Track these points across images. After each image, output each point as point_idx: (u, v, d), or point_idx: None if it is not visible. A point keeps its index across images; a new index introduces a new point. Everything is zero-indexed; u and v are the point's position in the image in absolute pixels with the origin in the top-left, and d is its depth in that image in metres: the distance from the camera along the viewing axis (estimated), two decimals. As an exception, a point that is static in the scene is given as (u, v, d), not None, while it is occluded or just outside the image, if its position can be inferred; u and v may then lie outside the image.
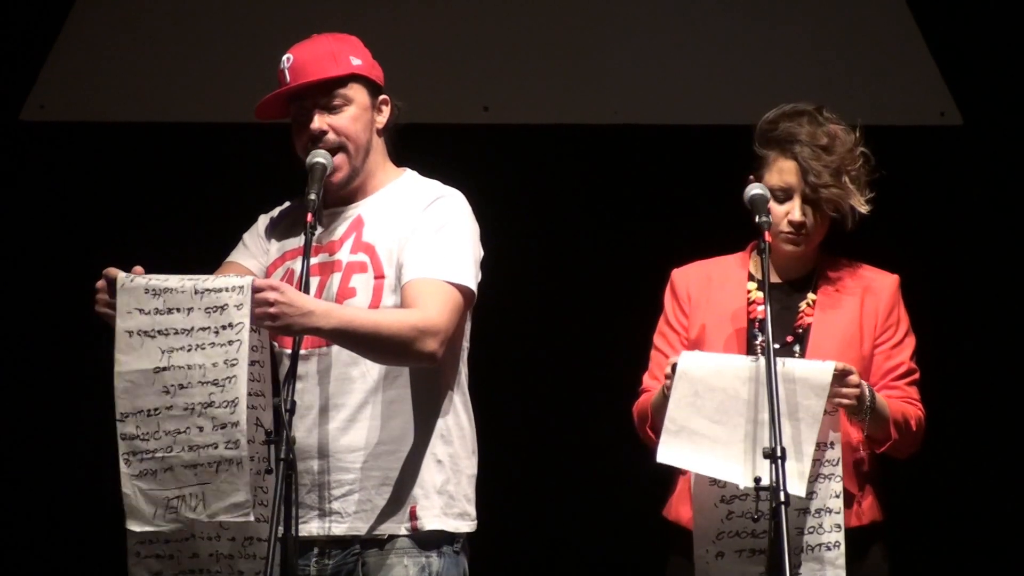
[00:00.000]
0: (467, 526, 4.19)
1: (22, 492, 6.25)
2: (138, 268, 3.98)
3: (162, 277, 3.96)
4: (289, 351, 4.06)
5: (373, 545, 4.13)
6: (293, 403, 3.91)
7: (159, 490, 3.99)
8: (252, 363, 3.97)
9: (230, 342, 3.93)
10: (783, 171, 4.30)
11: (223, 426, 3.94)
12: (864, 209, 4.30)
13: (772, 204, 4.29)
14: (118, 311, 3.95)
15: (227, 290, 3.93)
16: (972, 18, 6.04)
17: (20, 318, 6.18)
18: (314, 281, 4.16)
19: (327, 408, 4.14)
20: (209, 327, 3.92)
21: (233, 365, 3.92)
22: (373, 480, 4.13)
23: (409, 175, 4.30)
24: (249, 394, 3.96)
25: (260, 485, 3.99)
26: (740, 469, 4.01)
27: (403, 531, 4.13)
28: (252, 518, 3.98)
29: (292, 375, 3.96)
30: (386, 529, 4.12)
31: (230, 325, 3.92)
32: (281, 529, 3.91)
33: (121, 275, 3.97)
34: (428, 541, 4.14)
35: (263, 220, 4.35)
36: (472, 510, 4.22)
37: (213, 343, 3.93)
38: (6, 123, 6.13)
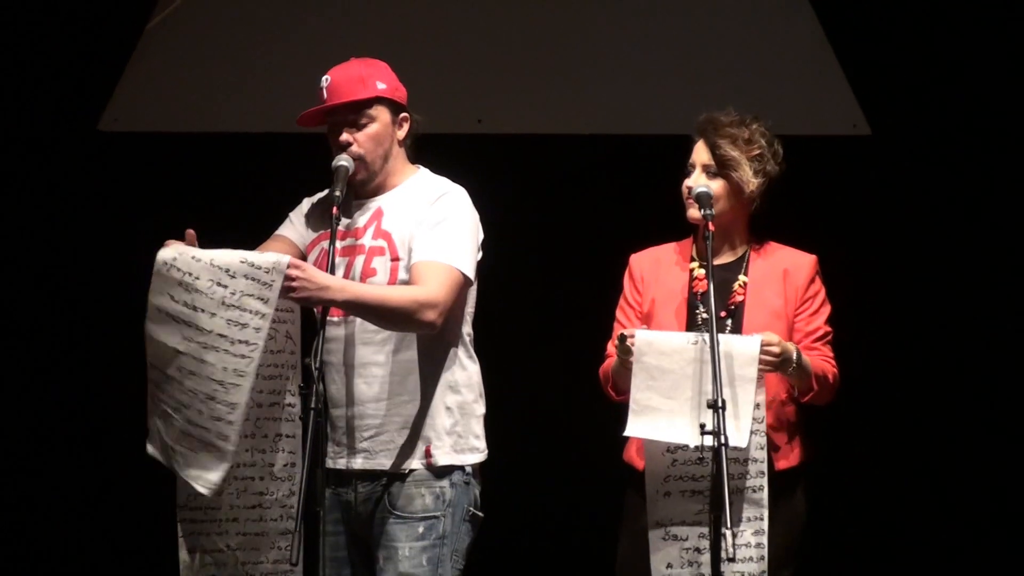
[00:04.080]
0: (475, 457, 4.32)
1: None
2: (190, 232, 4.06)
3: (195, 273, 4.00)
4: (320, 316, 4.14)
5: (396, 478, 4.25)
6: (323, 362, 4.03)
7: (164, 433, 4.09)
8: (286, 334, 4.10)
9: (243, 356, 4.00)
10: (694, 150, 4.44)
11: (218, 419, 4.02)
12: (752, 186, 4.37)
13: (687, 180, 4.42)
14: (152, 287, 4.04)
15: (251, 312, 4.00)
16: (880, 43, 6.07)
17: (97, 308, 6.21)
18: (342, 261, 4.27)
19: (354, 367, 4.24)
20: (227, 336, 3.99)
21: (241, 376, 4.00)
22: (395, 424, 4.25)
23: (422, 173, 4.42)
24: (280, 351, 4.08)
25: (290, 434, 4.13)
26: (690, 432, 4.13)
27: (420, 465, 4.26)
28: (209, 493, 4.05)
29: (320, 335, 4.06)
30: (406, 464, 4.25)
31: (246, 342, 4.00)
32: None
33: (162, 256, 4.02)
34: (441, 473, 4.27)
35: (306, 203, 4.46)
36: (480, 444, 4.34)
37: (228, 351, 4.00)
38: (86, 133, 6.17)
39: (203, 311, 3.98)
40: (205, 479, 4.05)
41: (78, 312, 6.27)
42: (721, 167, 4.38)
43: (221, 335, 3.97)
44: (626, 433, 4.20)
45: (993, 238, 6.09)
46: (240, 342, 3.97)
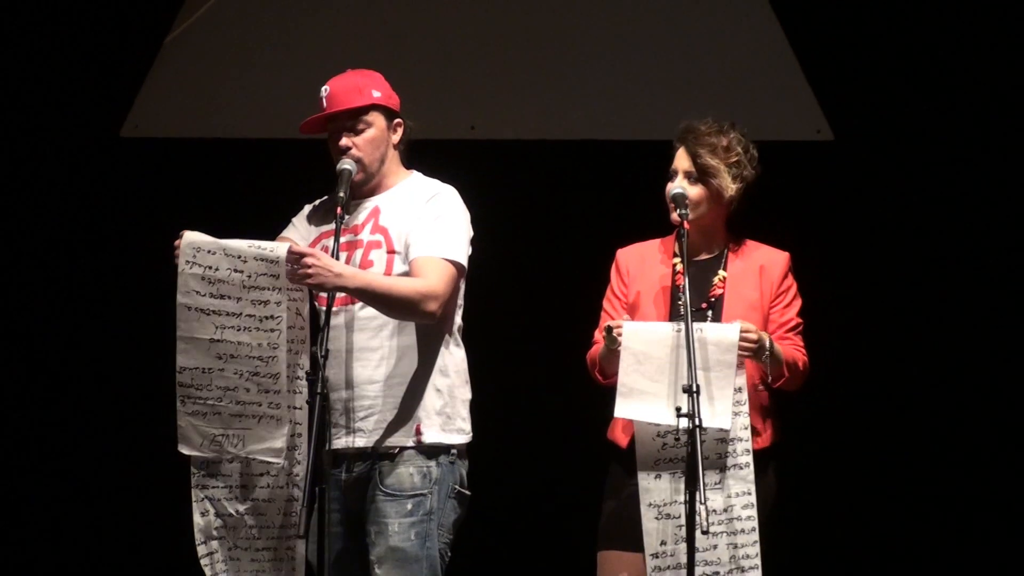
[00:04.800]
0: (461, 438, 4.37)
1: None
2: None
3: (213, 265, 4.07)
4: (324, 308, 4.22)
5: (386, 457, 4.29)
6: (327, 350, 4.11)
7: (207, 427, 4.13)
8: (296, 311, 4.14)
9: (272, 330, 4.09)
10: (675, 157, 4.47)
11: (266, 391, 4.11)
12: (731, 191, 4.41)
13: (670, 184, 4.44)
14: (178, 288, 4.09)
15: (269, 290, 4.07)
16: (843, 54, 6.10)
17: (118, 307, 6.23)
18: (343, 255, 4.29)
19: (353, 351, 4.29)
20: (254, 315, 4.08)
21: (275, 348, 4.09)
22: (388, 405, 4.29)
23: (416, 176, 4.48)
24: (291, 327, 4.14)
25: (298, 405, 4.17)
26: (672, 413, 4.18)
27: (410, 443, 4.29)
28: (283, 461, 4.15)
29: (326, 329, 4.15)
30: (397, 442, 4.30)
31: (271, 317, 4.08)
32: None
33: (182, 257, 4.08)
34: (430, 452, 4.31)
35: (307, 208, 4.52)
36: (466, 426, 4.40)
37: (259, 328, 4.08)
38: (108, 138, 6.23)
39: (229, 297, 4.07)
40: (271, 448, 4.13)
41: (98, 311, 6.28)
42: (702, 174, 4.42)
43: (250, 315, 4.06)
44: (615, 414, 4.26)
45: (950, 236, 6.12)
46: (267, 318, 4.07)
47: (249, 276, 4.06)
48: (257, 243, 4.10)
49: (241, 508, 4.22)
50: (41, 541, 6.32)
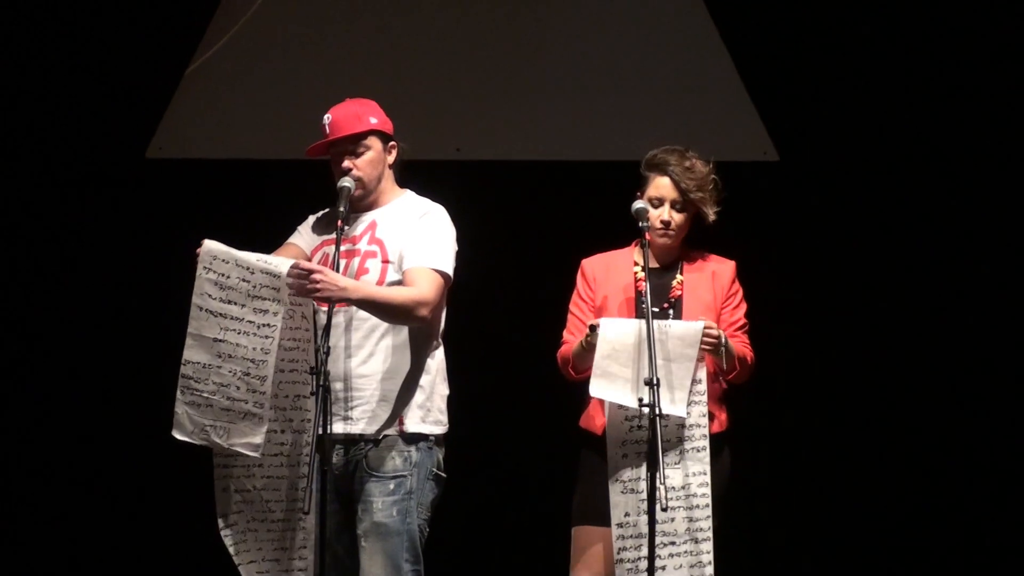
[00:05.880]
0: (439, 429, 4.51)
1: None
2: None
3: (225, 273, 4.16)
4: (325, 310, 4.31)
5: (373, 443, 4.41)
6: (328, 348, 4.24)
7: (199, 417, 4.21)
8: (302, 315, 4.27)
9: (266, 337, 4.17)
10: (659, 186, 4.57)
11: (253, 391, 4.20)
12: (712, 216, 4.56)
13: (650, 211, 4.55)
14: (195, 290, 4.19)
15: (271, 300, 4.16)
16: (787, 81, 6.22)
17: (143, 321, 6.26)
18: (342, 262, 4.40)
19: (349, 349, 4.40)
20: (254, 322, 4.17)
21: (267, 353, 4.18)
22: (377, 397, 4.41)
23: (409, 194, 4.60)
24: (296, 340, 4.28)
25: (305, 395, 4.32)
26: (636, 399, 4.29)
27: (394, 431, 4.41)
28: (259, 455, 4.24)
29: (328, 328, 4.25)
30: (383, 431, 4.42)
31: (268, 325, 4.17)
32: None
33: (200, 263, 4.18)
34: (410, 439, 4.43)
35: (311, 218, 4.64)
36: (443, 418, 4.53)
37: (255, 334, 4.17)
38: (135, 159, 6.34)
39: (234, 303, 4.19)
40: (250, 443, 4.23)
41: (125, 325, 6.36)
42: (691, 205, 4.55)
43: (251, 321, 4.19)
44: (590, 392, 4.37)
45: (886, 248, 6.26)
46: (263, 325, 4.19)
47: (254, 286, 4.19)
48: (264, 257, 4.26)
49: (258, 484, 4.37)
50: (47, 536, 6.38)
